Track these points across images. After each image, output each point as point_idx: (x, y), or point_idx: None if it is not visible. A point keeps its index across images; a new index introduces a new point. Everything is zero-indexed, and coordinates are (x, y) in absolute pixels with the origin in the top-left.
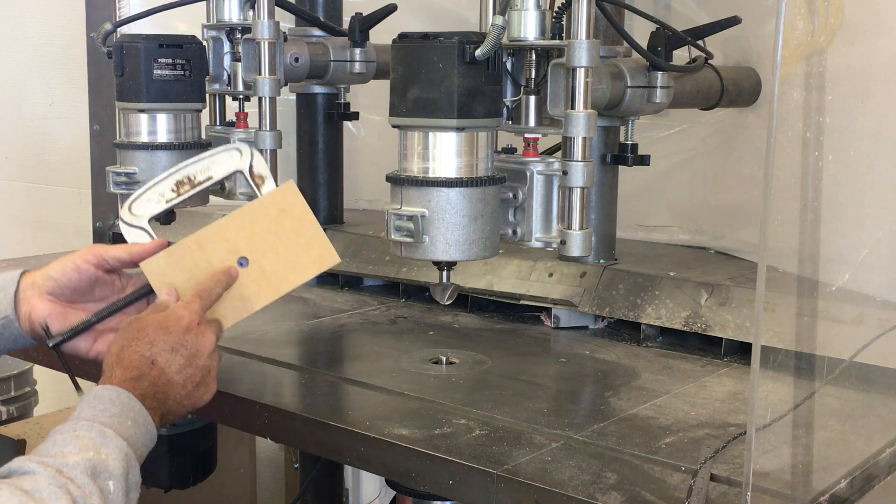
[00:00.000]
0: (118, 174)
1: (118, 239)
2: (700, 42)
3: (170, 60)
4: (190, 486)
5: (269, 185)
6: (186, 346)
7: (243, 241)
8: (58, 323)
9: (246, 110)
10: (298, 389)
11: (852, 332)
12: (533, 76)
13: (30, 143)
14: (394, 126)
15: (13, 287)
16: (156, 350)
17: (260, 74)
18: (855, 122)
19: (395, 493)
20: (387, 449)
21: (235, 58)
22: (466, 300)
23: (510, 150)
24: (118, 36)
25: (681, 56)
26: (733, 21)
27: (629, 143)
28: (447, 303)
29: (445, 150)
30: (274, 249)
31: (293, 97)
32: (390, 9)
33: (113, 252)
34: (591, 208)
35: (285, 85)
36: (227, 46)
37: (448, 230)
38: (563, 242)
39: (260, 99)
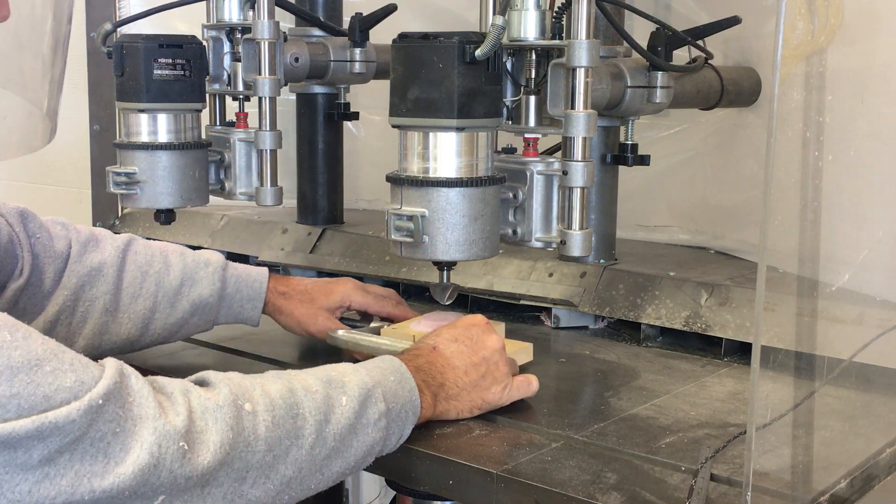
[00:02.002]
0: (118, 174)
1: None
2: (700, 42)
3: (170, 60)
4: None
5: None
6: (469, 336)
7: None
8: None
9: (246, 110)
10: None
11: (852, 332)
12: (533, 76)
13: None
14: (394, 126)
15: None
16: (438, 340)
17: (260, 74)
18: (855, 122)
19: (395, 493)
20: None
21: (235, 58)
22: (466, 300)
23: (510, 150)
24: (118, 36)
25: (681, 56)
26: (733, 21)
27: (629, 143)
28: (447, 303)
29: (445, 150)
30: None
31: (293, 97)
32: (390, 9)
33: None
34: (591, 208)
35: (285, 85)
36: (227, 46)
37: (448, 230)
38: (563, 242)
39: (260, 99)
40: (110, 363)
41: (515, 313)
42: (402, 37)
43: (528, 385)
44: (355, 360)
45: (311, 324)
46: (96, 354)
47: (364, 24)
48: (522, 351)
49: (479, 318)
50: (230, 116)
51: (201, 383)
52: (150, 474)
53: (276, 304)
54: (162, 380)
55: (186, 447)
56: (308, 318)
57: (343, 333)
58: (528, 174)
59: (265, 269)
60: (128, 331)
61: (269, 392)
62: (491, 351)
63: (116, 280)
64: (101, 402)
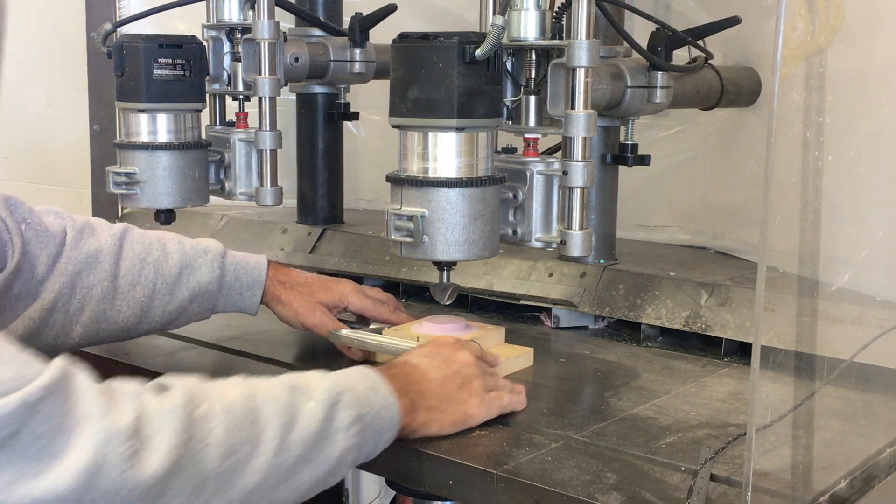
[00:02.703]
0: (118, 174)
1: None
2: (700, 42)
3: (170, 60)
4: None
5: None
6: (439, 353)
7: None
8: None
9: (246, 110)
10: None
11: (852, 332)
12: (533, 76)
13: (30, 143)
14: (394, 126)
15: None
16: (409, 357)
17: (260, 74)
18: (855, 122)
19: (395, 493)
20: (387, 449)
21: (235, 58)
22: (466, 300)
23: (510, 150)
24: (118, 36)
25: (681, 56)
26: (733, 21)
27: (629, 143)
28: (447, 303)
29: (445, 150)
30: None
31: (293, 97)
32: (390, 9)
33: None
34: (591, 208)
35: (285, 85)
36: (227, 46)
37: (448, 230)
38: (563, 242)
39: (260, 99)
40: (57, 361)
41: (515, 313)
42: (402, 37)
43: (506, 400)
44: (353, 363)
45: (308, 317)
46: (94, 341)
47: (364, 24)
48: (523, 356)
49: (448, 337)
50: (230, 116)
51: (159, 388)
52: (92, 477)
53: (275, 294)
54: (114, 382)
55: (133, 451)
56: (306, 311)
57: (346, 332)
58: (528, 174)
59: (264, 257)
60: (126, 318)
61: (227, 397)
62: (463, 364)
63: (113, 267)
64: (38, 397)
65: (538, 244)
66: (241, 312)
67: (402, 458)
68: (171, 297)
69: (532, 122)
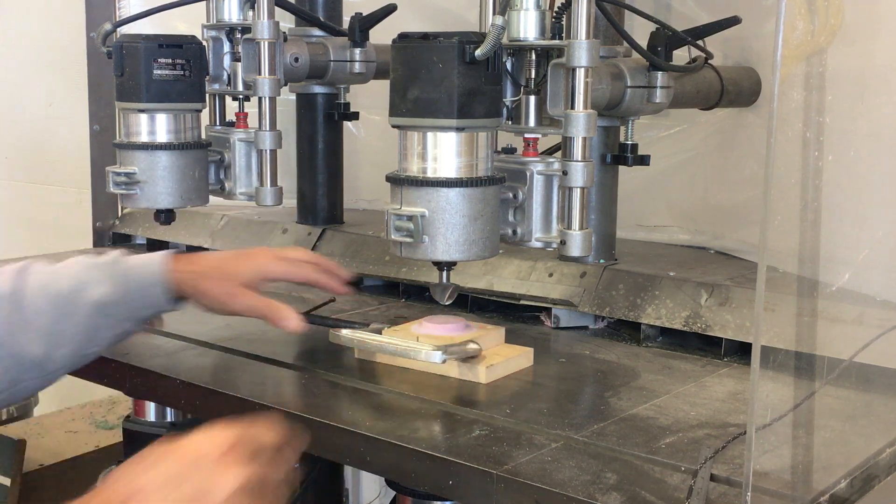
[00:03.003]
0: (118, 174)
1: (118, 239)
2: (700, 42)
3: (170, 60)
4: None
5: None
6: (186, 479)
7: None
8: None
9: (246, 110)
10: (298, 389)
11: (852, 332)
12: (533, 76)
13: (30, 143)
14: (394, 126)
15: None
16: (139, 485)
17: (260, 74)
18: (855, 122)
19: (395, 493)
20: (387, 449)
21: (235, 58)
22: (466, 300)
23: (510, 150)
24: (118, 36)
25: (681, 56)
26: (733, 21)
27: (629, 143)
28: (447, 303)
29: (445, 150)
30: None
31: (293, 97)
32: (390, 9)
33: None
34: (591, 208)
35: (285, 85)
36: (227, 46)
37: (448, 230)
38: (563, 242)
39: (260, 99)
40: None
41: (515, 313)
42: (402, 37)
43: None
44: (359, 360)
45: (231, 303)
46: (15, 384)
47: (364, 24)
48: (523, 355)
49: (215, 441)
50: (230, 116)
51: None
52: None
53: (193, 287)
54: None
55: None
56: (227, 297)
57: (346, 332)
58: (528, 174)
59: (162, 252)
60: (38, 347)
61: None
62: (221, 500)
63: (17, 300)
64: None
65: (538, 244)
66: (164, 311)
67: (402, 458)
68: (75, 318)
69: (532, 122)
